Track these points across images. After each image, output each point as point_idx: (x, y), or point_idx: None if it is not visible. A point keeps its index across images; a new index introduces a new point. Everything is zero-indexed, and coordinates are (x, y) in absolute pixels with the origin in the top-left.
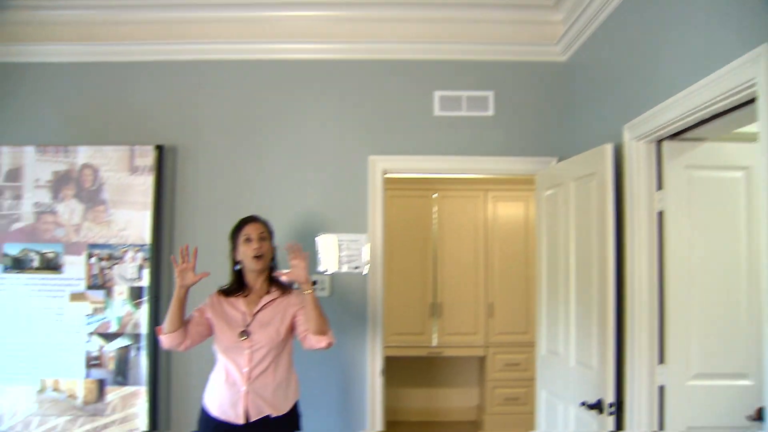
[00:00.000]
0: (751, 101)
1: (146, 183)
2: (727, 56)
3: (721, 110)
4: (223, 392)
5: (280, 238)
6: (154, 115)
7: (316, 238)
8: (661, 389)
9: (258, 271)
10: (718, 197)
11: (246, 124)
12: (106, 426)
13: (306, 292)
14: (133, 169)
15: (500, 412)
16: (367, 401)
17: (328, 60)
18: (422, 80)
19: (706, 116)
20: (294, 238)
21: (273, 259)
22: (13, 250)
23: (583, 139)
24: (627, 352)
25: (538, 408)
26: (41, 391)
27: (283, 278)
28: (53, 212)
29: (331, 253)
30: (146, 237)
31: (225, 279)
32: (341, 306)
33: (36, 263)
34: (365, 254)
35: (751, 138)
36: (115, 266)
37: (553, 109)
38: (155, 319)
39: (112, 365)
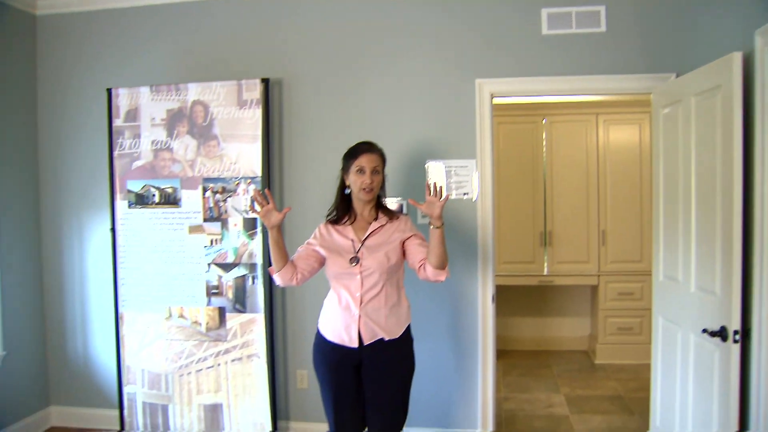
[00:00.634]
0: None
1: (255, 116)
2: None
3: None
4: (337, 317)
5: (388, 167)
6: (258, 50)
7: (426, 165)
8: None
9: (366, 201)
10: None
11: (347, 53)
12: (227, 350)
13: (436, 227)
14: (242, 103)
15: (613, 342)
16: (478, 329)
17: None
18: None
19: None
20: (401, 165)
21: (382, 187)
22: (136, 186)
23: (706, 50)
24: (755, 277)
25: (655, 335)
26: (168, 318)
27: (421, 209)
28: (169, 149)
29: (440, 180)
30: (257, 169)
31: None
32: (450, 233)
33: (156, 198)
34: (475, 180)
35: None
36: (229, 198)
37: (671, 19)
38: (269, 250)
39: (230, 294)
